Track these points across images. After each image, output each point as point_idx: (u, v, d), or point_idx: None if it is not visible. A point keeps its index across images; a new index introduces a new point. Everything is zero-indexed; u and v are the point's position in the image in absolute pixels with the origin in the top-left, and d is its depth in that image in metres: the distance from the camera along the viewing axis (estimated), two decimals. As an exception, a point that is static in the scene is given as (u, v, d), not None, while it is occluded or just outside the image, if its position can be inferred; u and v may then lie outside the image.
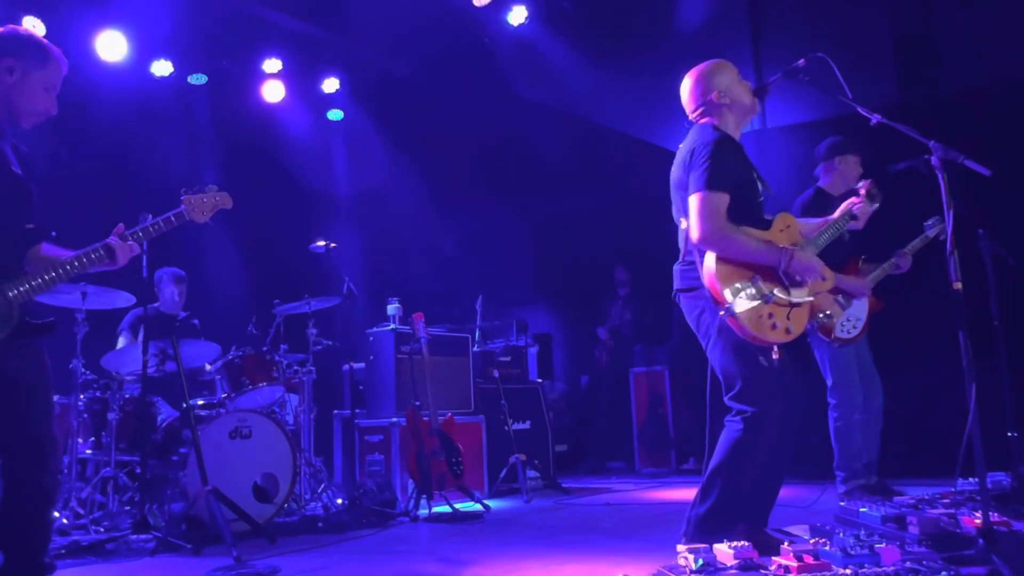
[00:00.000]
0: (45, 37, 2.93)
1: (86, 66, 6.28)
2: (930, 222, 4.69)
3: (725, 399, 3.09)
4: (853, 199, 3.52)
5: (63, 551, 3.83)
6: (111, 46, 6.48)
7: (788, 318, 3.02)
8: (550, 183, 8.18)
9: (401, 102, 8.20)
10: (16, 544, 2.71)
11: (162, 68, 7.00)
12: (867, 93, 3.39)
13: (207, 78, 7.29)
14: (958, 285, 2.75)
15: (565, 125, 7.86)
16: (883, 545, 2.69)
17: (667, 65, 3.46)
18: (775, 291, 3.00)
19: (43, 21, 5.95)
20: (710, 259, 3.00)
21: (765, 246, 3.04)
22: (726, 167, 3.05)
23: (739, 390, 3.04)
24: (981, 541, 2.60)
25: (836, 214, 3.48)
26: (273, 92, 7.63)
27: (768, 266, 3.03)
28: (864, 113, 3.11)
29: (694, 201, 3.03)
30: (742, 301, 2.94)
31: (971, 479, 3.79)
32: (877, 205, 3.54)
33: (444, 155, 8.41)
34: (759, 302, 2.96)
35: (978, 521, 2.75)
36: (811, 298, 3.08)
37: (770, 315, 2.97)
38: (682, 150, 3.22)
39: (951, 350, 2.90)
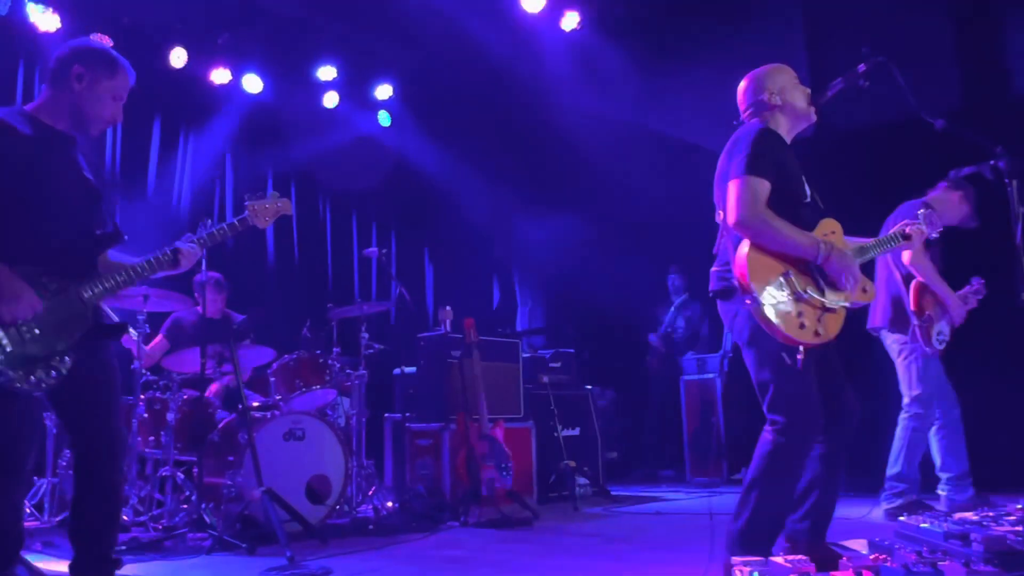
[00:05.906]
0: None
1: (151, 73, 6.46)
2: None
3: (763, 408, 3.02)
4: (909, 221, 3.38)
5: (123, 547, 3.92)
6: (176, 56, 6.74)
7: (819, 320, 2.89)
8: (603, 189, 8.14)
9: (453, 109, 8.25)
10: (86, 539, 2.79)
11: (221, 76, 7.18)
12: (930, 98, 3.29)
13: (263, 84, 7.43)
14: (1028, 296, 2.67)
15: (618, 130, 7.82)
16: (946, 562, 2.61)
17: (721, 68, 3.42)
18: (808, 289, 2.88)
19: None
20: (743, 247, 2.89)
21: (803, 237, 2.92)
22: (769, 155, 2.96)
23: (770, 398, 2.95)
24: (1051, 561, 2.51)
25: (892, 231, 3.36)
26: (328, 99, 7.78)
27: (804, 261, 2.91)
28: (928, 119, 3.04)
29: (733, 186, 2.93)
30: (771, 293, 2.82)
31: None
32: (937, 231, 3.39)
33: (495, 161, 8.43)
34: (788, 297, 2.85)
35: (1048, 540, 2.66)
36: (846, 304, 2.96)
37: (799, 313, 2.84)
38: (728, 144, 3.14)
39: (1019, 362, 2.81)
